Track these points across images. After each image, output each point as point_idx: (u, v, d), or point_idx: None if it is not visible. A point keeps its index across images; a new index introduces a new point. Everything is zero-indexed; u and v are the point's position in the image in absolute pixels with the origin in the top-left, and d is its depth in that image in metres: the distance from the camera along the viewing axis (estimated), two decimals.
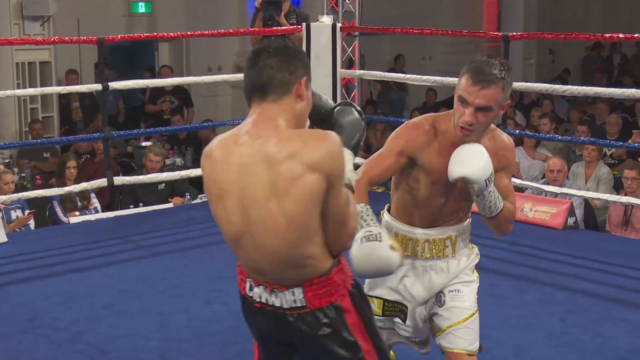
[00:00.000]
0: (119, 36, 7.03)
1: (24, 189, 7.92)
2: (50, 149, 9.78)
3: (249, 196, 2.45)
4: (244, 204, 2.46)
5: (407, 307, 3.25)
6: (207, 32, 8.02)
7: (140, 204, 7.55)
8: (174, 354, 4.33)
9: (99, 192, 7.80)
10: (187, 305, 5.01)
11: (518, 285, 5.32)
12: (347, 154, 2.58)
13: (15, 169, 8.65)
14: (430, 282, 3.22)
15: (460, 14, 15.33)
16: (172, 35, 7.65)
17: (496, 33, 8.21)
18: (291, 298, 2.54)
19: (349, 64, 8.02)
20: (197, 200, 7.58)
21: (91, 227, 6.80)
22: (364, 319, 2.62)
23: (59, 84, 10.36)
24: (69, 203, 7.27)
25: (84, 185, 6.70)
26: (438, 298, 3.22)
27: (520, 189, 6.95)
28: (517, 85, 6.87)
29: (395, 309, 3.28)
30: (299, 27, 7.15)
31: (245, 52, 12.49)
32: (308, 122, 2.62)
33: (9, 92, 7.21)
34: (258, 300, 2.60)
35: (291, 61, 2.48)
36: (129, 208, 7.51)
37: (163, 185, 7.61)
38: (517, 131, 8.24)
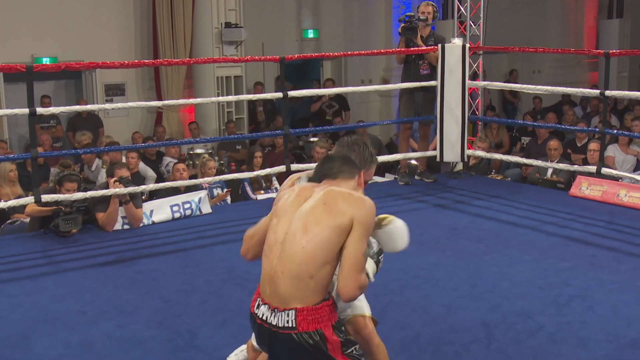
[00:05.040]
0: (296, 55, 7.14)
1: (222, 172, 8.13)
2: (241, 143, 10.06)
3: (297, 216, 2.58)
4: (291, 222, 2.58)
5: None
6: (361, 52, 8.01)
7: None
8: None
9: (279, 175, 7.92)
10: None
11: (615, 256, 5.08)
12: (371, 262, 2.71)
13: (216, 158, 8.92)
14: None
15: (563, 35, 14.77)
16: (334, 54, 7.69)
17: (599, 51, 7.85)
18: (285, 319, 2.51)
19: (473, 77, 7.90)
20: None
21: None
22: (344, 346, 2.55)
23: (249, 92, 10.64)
24: (256, 184, 7.41)
25: (267, 171, 6.77)
26: None
27: (615, 178, 6.65)
28: (613, 93, 6.73)
29: None
30: (436, 47, 7.06)
31: (390, 68, 12.46)
32: None
33: (213, 99, 7.49)
34: (260, 316, 2.58)
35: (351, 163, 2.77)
36: None
37: None
38: (615, 131, 7.91)
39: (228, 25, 10.43)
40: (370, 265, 2.70)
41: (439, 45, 7.06)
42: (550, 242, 5.43)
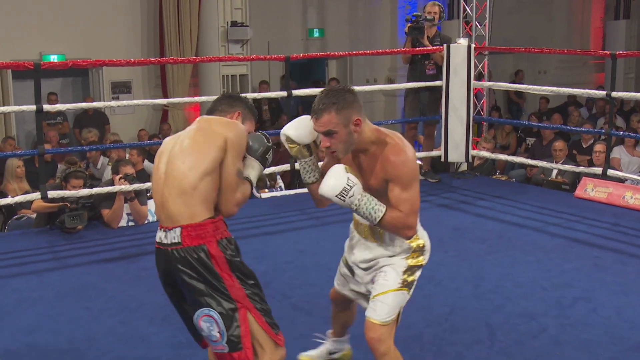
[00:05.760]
0: (301, 55, 7.13)
1: None
2: None
3: (175, 147, 2.74)
4: (169, 152, 2.74)
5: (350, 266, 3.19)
6: (366, 51, 8.00)
7: None
8: None
9: (283, 174, 7.94)
10: None
11: (619, 258, 5.07)
12: (253, 160, 2.86)
13: None
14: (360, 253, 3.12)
15: (569, 36, 14.73)
16: (339, 54, 7.68)
17: (605, 52, 7.80)
18: (172, 235, 2.65)
19: (478, 77, 7.88)
20: None
21: (277, 201, 6.88)
22: (230, 263, 2.66)
23: (254, 91, 10.63)
24: (261, 182, 7.36)
25: (272, 169, 6.73)
26: (373, 276, 3.05)
27: (621, 180, 6.63)
28: (620, 94, 6.70)
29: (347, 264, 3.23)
30: (442, 47, 7.05)
31: (395, 68, 12.45)
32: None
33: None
34: (158, 241, 2.72)
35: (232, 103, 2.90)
36: (304, 187, 7.55)
37: None
38: (621, 132, 7.88)
39: (234, 24, 10.44)
40: (253, 170, 2.85)
41: (444, 45, 7.05)
42: (554, 243, 5.42)
